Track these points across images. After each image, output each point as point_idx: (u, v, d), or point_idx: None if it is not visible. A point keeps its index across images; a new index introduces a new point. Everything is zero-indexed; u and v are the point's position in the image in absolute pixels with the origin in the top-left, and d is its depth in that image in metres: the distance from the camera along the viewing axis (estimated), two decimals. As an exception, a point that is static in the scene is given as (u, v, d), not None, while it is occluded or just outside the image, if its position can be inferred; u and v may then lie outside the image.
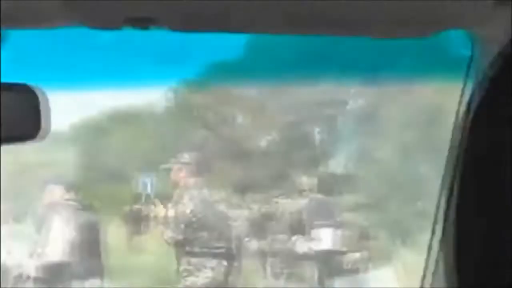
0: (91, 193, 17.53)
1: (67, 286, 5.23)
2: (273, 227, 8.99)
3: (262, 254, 9.90)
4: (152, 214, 5.84)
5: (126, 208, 10.72)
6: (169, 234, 5.52)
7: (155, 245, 11.30)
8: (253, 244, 12.95)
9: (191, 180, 5.59)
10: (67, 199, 5.34)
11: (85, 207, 5.64)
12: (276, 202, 9.10)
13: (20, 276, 5.10)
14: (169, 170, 5.73)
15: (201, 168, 19.48)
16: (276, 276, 8.34)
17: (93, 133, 20.64)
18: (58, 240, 5.20)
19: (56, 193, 5.38)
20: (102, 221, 5.81)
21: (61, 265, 5.17)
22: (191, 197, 5.54)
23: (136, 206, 5.50)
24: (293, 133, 19.77)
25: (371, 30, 2.14)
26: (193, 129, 20.57)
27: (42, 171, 17.11)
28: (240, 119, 21.25)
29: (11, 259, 5.14)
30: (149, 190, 5.95)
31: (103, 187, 19.10)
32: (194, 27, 2.02)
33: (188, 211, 5.51)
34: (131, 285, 9.70)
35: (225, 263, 5.86)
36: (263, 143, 20.10)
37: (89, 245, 5.41)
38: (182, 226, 5.52)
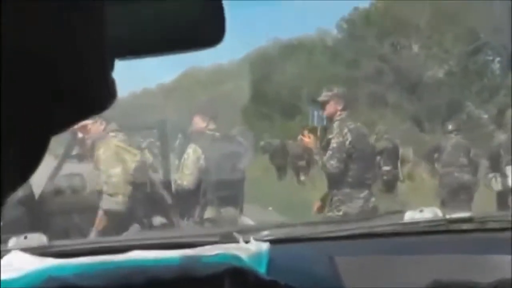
0: (258, 124, 17.88)
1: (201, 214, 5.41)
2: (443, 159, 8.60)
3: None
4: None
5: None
6: (332, 162, 5.49)
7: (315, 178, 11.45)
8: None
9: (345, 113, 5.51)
10: (211, 130, 5.45)
11: (230, 137, 5.74)
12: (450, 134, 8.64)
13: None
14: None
15: (378, 100, 19.19)
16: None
17: (264, 64, 20.90)
18: (190, 168, 5.36)
19: (201, 123, 5.51)
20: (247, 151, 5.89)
21: (194, 191, 5.35)
22: (349, 129, 5.47)
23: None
24: (470, 63, 18.79)
25: None
26: (366, 61, 20.25)
27: (204, 99, 17.63)
28: (415, 49, 20.59)
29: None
30: (316, 121, 5.92)
31: (274, 119, 19.43)
32: None
33: (347, 142, 5.46)
34: (275, 215, 9.98)
35: (374, 193, 5.78)
36: (439, 73, 19.37)
37: (227, 175, 5.54)
38: (344, 155, 5.48)
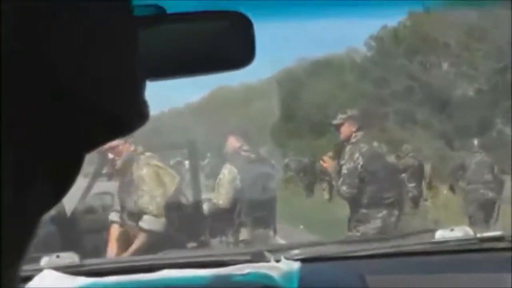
0: (288, 144, 17.85)
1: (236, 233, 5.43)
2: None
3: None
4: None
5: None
6: (343, 188, 5.52)
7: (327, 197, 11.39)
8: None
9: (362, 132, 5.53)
10: (246, 150, 5.48)
11: (263, 158, 5.77)
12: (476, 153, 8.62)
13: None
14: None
15: (406, 118, 19.08)
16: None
17: (293, 82, 20.90)
18: (226, 188, 5.38)
19: (235, 143, 5.55)
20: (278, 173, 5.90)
21: (229, 211, 5.38)
22: (361, 152, 5.49)
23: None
24: (500, 81, 18.58)
25: None
26: (395, 78, 20.18)
27: (234, 119, 17.64)
28: (445, 67, 20.47)
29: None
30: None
31: (303, 138, 19.40)
32: None
33: (359, 166, 5.48)
34: (306, 233, 9.92)
35: (396, 212, 5.73)
36: (469, 91, 19.21)
37: (260, 195, 5.56)
38: (356, 180, 5.48)
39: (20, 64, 0.38)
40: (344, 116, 5.79)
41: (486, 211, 7.94)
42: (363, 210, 5.57)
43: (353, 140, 5.66)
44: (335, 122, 5.88)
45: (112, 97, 0.45)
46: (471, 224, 7.47)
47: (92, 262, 1.73)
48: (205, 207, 5.53)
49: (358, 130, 5.70)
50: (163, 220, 4.61)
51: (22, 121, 0.39)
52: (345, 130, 5.71)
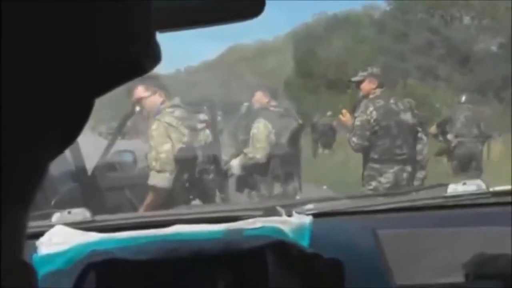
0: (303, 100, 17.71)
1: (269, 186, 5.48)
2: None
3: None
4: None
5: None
6: (353, 139, 5.59)
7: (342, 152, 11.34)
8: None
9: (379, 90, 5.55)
10: (274, 105, 5.51)
11: (289, 113, 5.78)
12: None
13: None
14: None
15: (427, 74, 18.86)
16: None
17: (310, 39, 20.62)
18: (262, 142, 5.42)
19: (263, 99, 5.57)
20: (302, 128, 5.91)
21: (263, 165, 5.42)
22: (376, 107, 5.52)
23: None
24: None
25: None
26: (415, 33, 19.88)
27: (253, 76, 17.46)
28: (466, 20, 20.13)
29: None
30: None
31: (321, 94, 19.25)
32: None
33: (372, 120, 5.53)
34: (319, 187, 9.95)
35: (408, 168, 5.76)
36: (491, 46, 18.91)
37: (289, 151, 5.59)
38: (367, 133, 5.54)
39: (33, 9, 0.37)
40: (364, 73, 5.88)
41: (470, 163, 8.10)
42: (375, 165, 5.68)
43: (371, 96, 5.73)
44: (355, 79, 5.98)
45: (125, 39, 0.44)
46: (454, 175, 7.73)
47: (104, 218, 1.74)
48: (237, 161, 5.58)
49: (378, 87, 5.78)
50: (167, 176, 4.62)
51: (32, 68, 0.38)
52: (365, 87, 5.81)
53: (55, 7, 0.38)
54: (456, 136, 8.30)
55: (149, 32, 0.46)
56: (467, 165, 8.03)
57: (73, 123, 0.42)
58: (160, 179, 4.58)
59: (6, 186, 0.37)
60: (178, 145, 4.72)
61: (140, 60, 0.45)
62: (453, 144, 8.24)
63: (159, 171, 4.59)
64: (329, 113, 5.81)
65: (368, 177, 5.73)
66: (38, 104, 0.39)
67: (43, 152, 0.41)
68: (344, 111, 6.02)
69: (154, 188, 4.58)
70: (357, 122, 5.64)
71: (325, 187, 10.39)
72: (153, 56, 0.46)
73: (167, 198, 4.50)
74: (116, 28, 0.43)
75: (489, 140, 8.64)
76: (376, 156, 5.67)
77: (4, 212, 0.38)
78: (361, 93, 5.91)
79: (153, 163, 4.63)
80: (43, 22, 0.38)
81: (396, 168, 5.69)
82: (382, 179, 5.67)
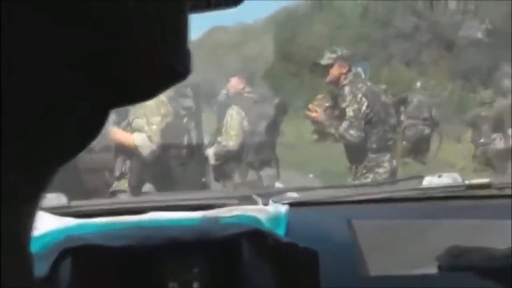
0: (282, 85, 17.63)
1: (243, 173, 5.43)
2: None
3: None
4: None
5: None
6: (351, 132, 5.18)
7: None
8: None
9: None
10: (249, 92, 5.38)
11: (265, 99, 5.67)
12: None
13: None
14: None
15: (412, 58, 18.90)
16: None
17: (291, 23, 20.52)
18: (235, 129, 5.32)
19: (239, 85, 5.46)
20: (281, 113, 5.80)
21: (236, 153, 5.34)
22: (364, 93, 5.16)
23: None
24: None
25: None
26: (401, 17, 19.83)
27: (232, 60, 17.33)
28: (452, 5, 20.10)
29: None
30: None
31: (300, 79, 19.21)
32: None
33: (363, 107, 5.17)
34: (305, 176, 9.89)
35: (394, 154, 5.61)
36: (476, 32, 18.91)
37: (265, 137, 5.51)
38: (363, 122, 5.15)
39: (62, 12, 0.36)
40: (333, 55, 5.43)
41: (419, 146, 8.17)
42: (372, 155, 5.35)
43: (344, 82, 5.31)
44: (323, 62, 5.50)
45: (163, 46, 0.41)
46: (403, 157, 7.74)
47: (80, 203, 1.74)
48: (212, 150, 5.52)
49: (349, 71, 5.35)
50: (154, 147, 4.62)
51: (57, 71, 0.37)
52: (334, 71, 5.33)
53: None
54: (408, 118, 8.31)
55: (185, 39, 0.42)
56: (415, 148, 8.10)
57: (89, 130, 0.41)
58: (145, 142, 4.59)
59: (20, 184, 0.37)
60: (165, 121, 4.73)
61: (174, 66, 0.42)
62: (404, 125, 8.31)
63: (149, 137, 4.60)
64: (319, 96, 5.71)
65: (365, 170, 5.38)
66: (60, 109, 0.38)
67: (56, 153, 0.40)
68: (311, 105, 5.68)
69: (137, 148, 4.59)
70: (350, 113, 5.22)
71: (311, 175, 10.27)
72: (186, 66, 0.43)
73: (143, 170, 4.52)
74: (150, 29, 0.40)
75: (439, 127, 8.68)
76: (374, 146, 5.33)
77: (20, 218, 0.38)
78: (327, 78, 5.45)
79: (146, 128, 4.63)
80: (70, 21, 0.36)
81: (388, 156, 5.44)
82: (380, 170, 5.36)
